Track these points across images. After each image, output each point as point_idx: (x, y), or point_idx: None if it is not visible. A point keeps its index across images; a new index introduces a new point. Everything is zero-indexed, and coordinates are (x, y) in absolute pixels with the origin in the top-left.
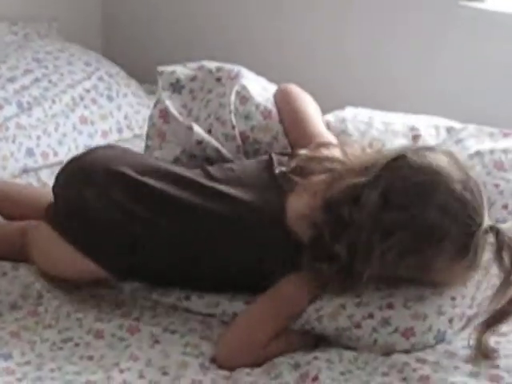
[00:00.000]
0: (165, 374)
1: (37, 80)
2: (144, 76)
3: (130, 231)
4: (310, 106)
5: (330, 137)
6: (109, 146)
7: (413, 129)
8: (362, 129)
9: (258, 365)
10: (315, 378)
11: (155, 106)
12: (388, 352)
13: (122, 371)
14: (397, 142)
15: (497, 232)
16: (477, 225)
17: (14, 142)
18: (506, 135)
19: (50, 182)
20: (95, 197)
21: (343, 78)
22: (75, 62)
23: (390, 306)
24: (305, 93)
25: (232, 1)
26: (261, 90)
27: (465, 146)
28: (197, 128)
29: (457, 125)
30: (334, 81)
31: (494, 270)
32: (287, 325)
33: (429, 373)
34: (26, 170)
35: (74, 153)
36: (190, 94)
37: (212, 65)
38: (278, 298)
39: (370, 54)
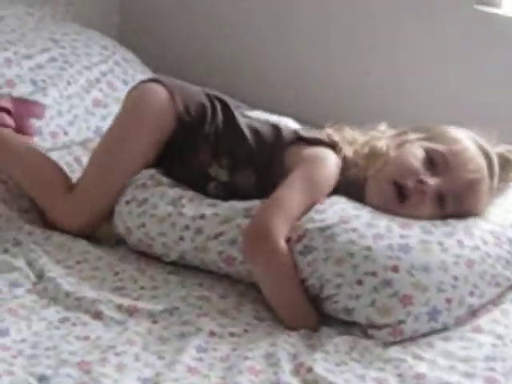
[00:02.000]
0: (161, 358)
1: (53, 59)
2: (156, 65)
3: None
4: None
5: None
6: None
7: None
8: None
9: (279, 272)
10: (310, 370)
11: None
12: (382, 316)
13: (117, 354)
14: None
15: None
16: None
17: None
18: None
19: None
20: None
21: (357, 84)
22: (92, 45)
23: (395, 269)
24: None
25: None
26: None
27: None
28: None
29: None
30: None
31: (501, 267)
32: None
33: (425, 371)
34: None
35: (85, 134)
36: None
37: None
38: (312, 183)
39: (385, 60)
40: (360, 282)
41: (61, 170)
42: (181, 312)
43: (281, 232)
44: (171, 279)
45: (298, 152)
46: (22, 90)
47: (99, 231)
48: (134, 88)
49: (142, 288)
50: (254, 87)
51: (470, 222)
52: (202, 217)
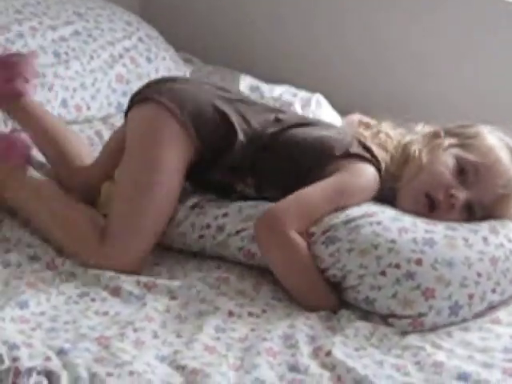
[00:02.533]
0: (179, 336)
1: (77, 33)
2: (179, 44)
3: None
4: None
5: None
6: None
7: None
8: None
9: (290, 258)
10: (329, 353)
11: None
12: (404, 308)
13: (135, 330)
14: None
15: None
16: None
17: (50, 90)
18: None
19: None
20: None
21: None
22: (116, 20)
23: (419, 262)
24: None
25: None
26: None
27: None
28: None
29: None
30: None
31: None
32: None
33: (443, 359)
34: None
35: (106, 110)
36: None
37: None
38: (347, 183)
39: (408, 48)
40: (383, 273)
41: (88, 212)
42: (199, 290)
43: (292, 224)
44: (189, 262)
45: (341, 165)
46: (44, 61)
47: (103, 191)
48: (138, 113)
49: (159, 270)
50: (273, 63)
51: (496, 220)
52: (225, 215)
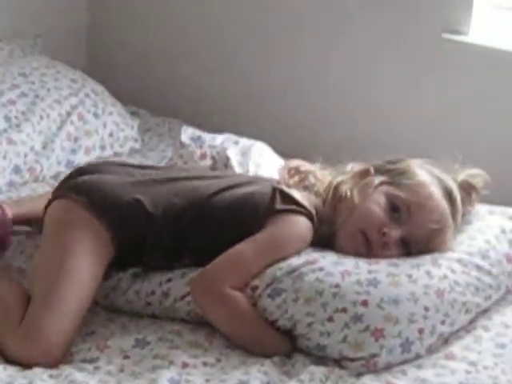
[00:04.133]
0: None
1: (24, 94)
2: (125, 97)
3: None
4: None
5: None
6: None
7: None
8: None
9: (230, 313)
10: None
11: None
12: (355, 351)
13: None
14: None
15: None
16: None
17: (4, 158)
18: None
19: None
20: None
21: (329, 112)
22: (62, 78)
23: (365, 304)
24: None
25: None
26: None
27: None
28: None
29: None
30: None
31: (470, 294)
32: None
33: None
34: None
35: (57, 168)
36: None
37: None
38: (278, 235)
39: (356, 86)
40: (331, 319)
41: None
42: (152, 346)
43: (227, 281)
44: (142, 317)
45: (269, 223)
46: None
47: None
48: (51, 209)
49: (112, 328)
50: (221, 112)
51: (437, 253)
52: (169, 280)
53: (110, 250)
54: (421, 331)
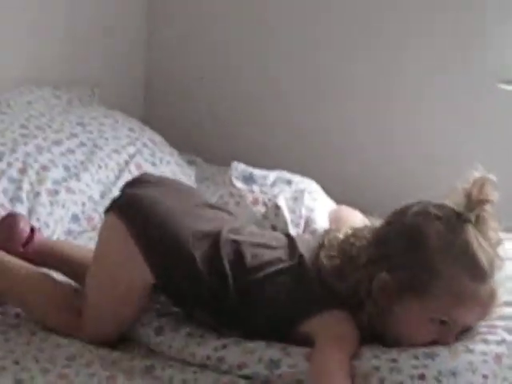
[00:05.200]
0: None
1: (82, 144)
2: (182, 146)
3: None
4: (354, 214)
5: None
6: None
7: None
8: None
9: None
10: None
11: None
12: None
13: None
14: None
15: None
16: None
17: (63, 207)
18: None
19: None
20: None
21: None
22: (119, 127)
23: (422, 377)
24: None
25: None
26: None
27: None
28: (281, 200)
29: None
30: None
31: None
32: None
33: None
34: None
35: None
36: (260, 187)
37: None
38: (339, 339)
39: (411, 136)
40: None
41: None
42: None
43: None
44: None
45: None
46: (56, 175)
47: None
48: (105, 224)
49: None
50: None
51: (492, 315)
52: (224, 347)
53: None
54: None
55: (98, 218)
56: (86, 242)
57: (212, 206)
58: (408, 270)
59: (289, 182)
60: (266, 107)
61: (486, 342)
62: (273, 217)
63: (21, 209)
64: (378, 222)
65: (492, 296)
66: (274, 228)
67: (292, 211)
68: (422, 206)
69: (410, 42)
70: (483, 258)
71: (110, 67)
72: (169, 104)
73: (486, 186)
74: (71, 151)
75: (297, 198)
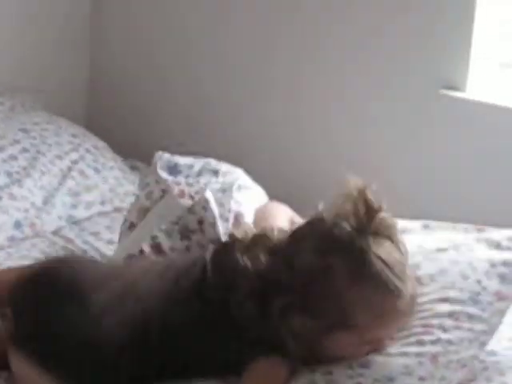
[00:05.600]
0: None
1: (25, 150)
2: (126, 151)
3: None
4: (281, 211)
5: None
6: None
7: None
8: None
9: None
10: None
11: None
12: None
13: None
14: None
15: None
16: None
17: (6, 213)
18: (479, 230)
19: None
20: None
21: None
22: (62, 133)
23: None
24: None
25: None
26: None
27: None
28: (209, 193)
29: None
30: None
31: (465, 349)
32: None
33: None
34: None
35: (57, 223)
36: (185, 178)
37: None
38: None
39: (348, 140)
40: None
41: None
42: None
43: None
44: None
45: None
46: None
47: None
48: None
49: None
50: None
51: (426, 313)
52: None
53: None
54: None
55: (40, 224)
56: (28, 249)
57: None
58: (325, 311)
59: (215, 172)
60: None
61: (421, 343)
62: (200, 211)
63: None
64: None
65: (413, 299)
66: (200, 222)
67: (220, 205)
68: (316, 243)
69: (350, 44)
70: (393, 273)
71: (53, 73)
72: (113, 109)
73: (367, 196)
74: (13, 157)
75: (225, 190)
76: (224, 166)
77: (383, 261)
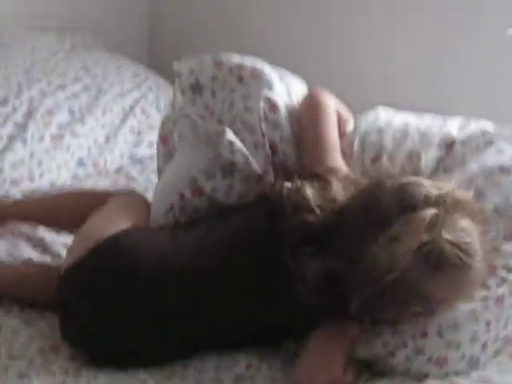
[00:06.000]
0: None
1: (87, 88)
2: None
3: None
4: (334, 130)
5: (342, 170)
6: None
7: (446, 137)
8: (398, 138)
9: None
10: None
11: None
12: (422, 378)
13: None
14: (431, 153)
15: None
16: None
17: (68, 151)
18: None
19: None
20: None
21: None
22: (124, 71)
23: (424, 335)
24: (333, 103)
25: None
26: (286, 94)
27: (499, 150)
28: (229, 133)
29: (490, 127)
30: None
31: None
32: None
33: None
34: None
35: (119, 161)
36: (212, 94)
37: (232, 60)
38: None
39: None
40: (392, 355)
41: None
42: None
43: None
44: None
45: None
46: (61, 120)
47: None
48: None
49: None
50: None
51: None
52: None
53: None
54: (484, 345)
55: (103, 162)
56: (91, 186)
57: None
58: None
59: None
60: None
61: (485, 286)
62: (228, 155)
63: (22, 151)
64: None
65: (483, 271)
66: (232, 165)
67: (251, 131)
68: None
69: None
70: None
71: (114, 12)
72: (174, 46)
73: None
74: (75, 95)
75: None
76: (246, 67)
77: (451, 242)
